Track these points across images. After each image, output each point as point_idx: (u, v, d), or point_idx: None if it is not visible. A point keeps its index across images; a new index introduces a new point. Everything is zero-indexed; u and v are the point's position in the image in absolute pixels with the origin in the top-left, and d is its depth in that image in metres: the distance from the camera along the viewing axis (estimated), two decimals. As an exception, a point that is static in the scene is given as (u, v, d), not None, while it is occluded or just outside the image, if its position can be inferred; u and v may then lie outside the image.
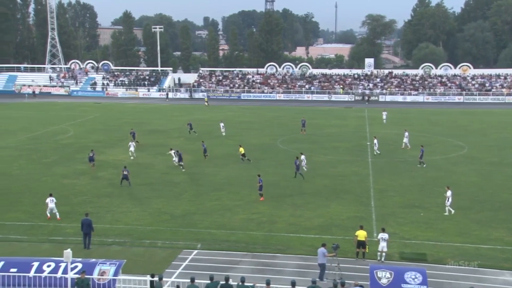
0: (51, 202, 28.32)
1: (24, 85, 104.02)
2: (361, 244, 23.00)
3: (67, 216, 28.32)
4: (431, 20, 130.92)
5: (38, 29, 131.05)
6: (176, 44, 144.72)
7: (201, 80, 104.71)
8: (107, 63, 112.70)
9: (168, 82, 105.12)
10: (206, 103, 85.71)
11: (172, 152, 41.54)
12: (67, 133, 56.44)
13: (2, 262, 18.22)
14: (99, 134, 53.23)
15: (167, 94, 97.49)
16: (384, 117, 64.76)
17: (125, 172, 35.21)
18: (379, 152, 44.85)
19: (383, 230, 23.41)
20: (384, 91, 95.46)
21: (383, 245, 22.82)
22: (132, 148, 44.29)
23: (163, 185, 35.57)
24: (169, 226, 27.07)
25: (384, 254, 22.82)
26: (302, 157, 38.95)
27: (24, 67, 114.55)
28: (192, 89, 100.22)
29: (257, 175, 32.92)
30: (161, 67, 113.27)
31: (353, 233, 23.82)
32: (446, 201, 29.22)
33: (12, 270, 17.88)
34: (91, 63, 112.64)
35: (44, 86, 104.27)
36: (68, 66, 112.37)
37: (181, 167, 39.60)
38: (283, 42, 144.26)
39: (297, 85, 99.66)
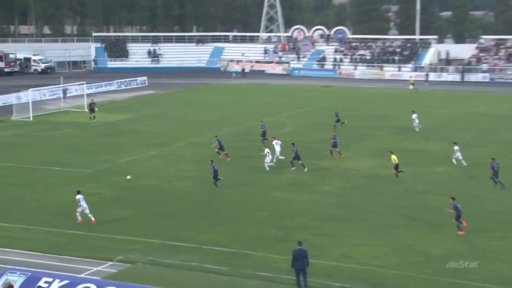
0: (82, 200, 31.89)
1: (231, 61, 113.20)
2: None
3: (279, 244, 29.76)
4: None
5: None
6: (445, 1, 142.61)
7: (481, 54, 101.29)
8: (342, 30, 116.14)
9: (429, 57, 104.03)
10: (412, 86, 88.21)
11: (266, 150, 43.41)
12: (283, 128, 59.56)
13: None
14: (324, 130, 54.91)
15: (427, 75, 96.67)
16: None
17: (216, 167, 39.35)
18: None
19: None
20: None
21: None
22: (277, 152, 44.85)
23: (417, 209, 35.29)
24: (422, 272, 26.73)
25: None
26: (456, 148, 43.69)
27: (233, 35, 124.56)
28: (465, 68, 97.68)
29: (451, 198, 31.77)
30: (420, 35, 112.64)
31: None
32: None
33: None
34: (320, 29, 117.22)
35: (257, 62, 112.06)
36: (289, 34, 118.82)
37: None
38: None
39: None
